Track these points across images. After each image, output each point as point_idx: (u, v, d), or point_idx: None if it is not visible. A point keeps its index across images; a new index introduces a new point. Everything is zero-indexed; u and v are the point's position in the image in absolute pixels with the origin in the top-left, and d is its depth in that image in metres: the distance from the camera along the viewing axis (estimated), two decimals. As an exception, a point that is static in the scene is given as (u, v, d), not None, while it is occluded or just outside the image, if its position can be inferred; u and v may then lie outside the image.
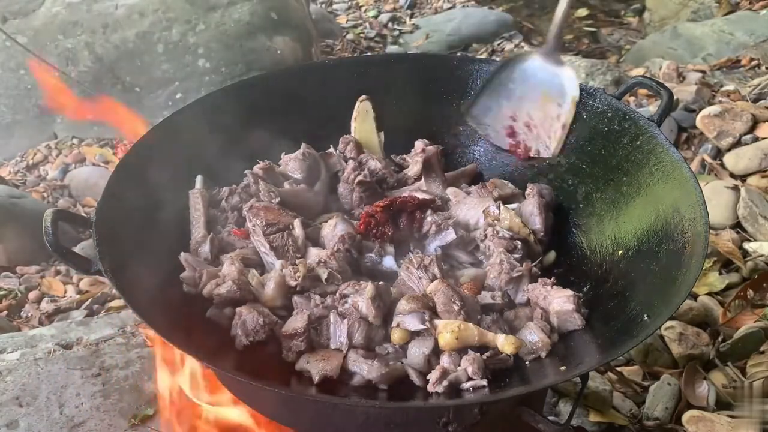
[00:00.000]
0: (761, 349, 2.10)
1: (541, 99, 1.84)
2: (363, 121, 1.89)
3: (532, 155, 1.86)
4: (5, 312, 2.60)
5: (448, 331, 1.39)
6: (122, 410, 1.97)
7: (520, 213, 1.71)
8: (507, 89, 1.88)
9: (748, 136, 2.80)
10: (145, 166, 1.66)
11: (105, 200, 1.55)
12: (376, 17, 4.94)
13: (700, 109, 2.94)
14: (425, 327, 1.41)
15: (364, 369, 1.38)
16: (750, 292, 2.24)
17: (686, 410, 1.99)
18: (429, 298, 1.46)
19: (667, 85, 1.99)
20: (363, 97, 1.88)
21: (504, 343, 1.40)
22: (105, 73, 3.40)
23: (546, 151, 1.84)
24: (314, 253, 1.58)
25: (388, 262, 1.62)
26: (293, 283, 1.51)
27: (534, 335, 1.45)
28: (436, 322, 1.42)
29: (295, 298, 1.51)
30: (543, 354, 1.44)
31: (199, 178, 1.76)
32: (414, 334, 1.43)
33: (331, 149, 1.89)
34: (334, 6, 5.10)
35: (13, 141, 3.46)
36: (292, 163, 1.81)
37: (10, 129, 3.45)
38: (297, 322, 1.45)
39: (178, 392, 1.77)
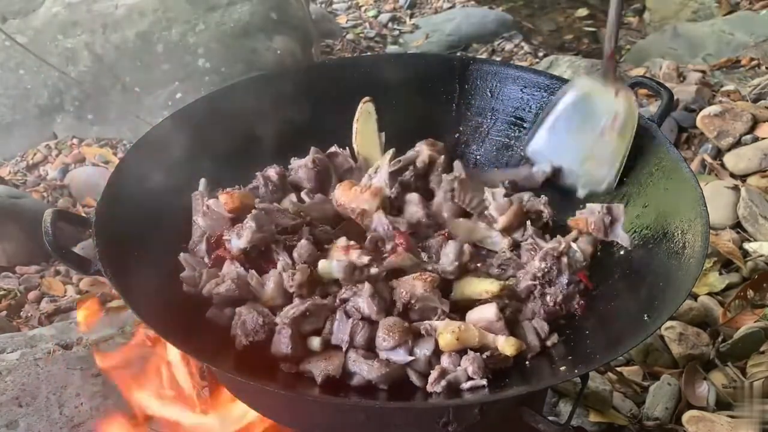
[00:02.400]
0: (761, 349, 2.09)
1: (604, 131, 1.69)
2: (365, 122, 1.88)
3: (580, 195, 1.73)
4: (5, 312, 2.60)
5: (448, 332, 1.39)
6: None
7: None
8: (567, 122, 1.74)
9: (748, 136, 2.80)
10: (145, 166, 1.66)
11: (105, 200, 1.55)
12: (376, 17, 4.93)
13: (700, 109, 2.94)
14: (413, 358, 1.39)
15: (364, 369, 1.38)
16: (750, 292, 2.24)
17: (686, 410, 1.99)
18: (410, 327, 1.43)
19: (667, 85, 1.98)
20: (366, 98, 1.87)
21: (504, 344, 1.40)
22: (105, 73, 3.39)
23: (599, 185, 1.71)
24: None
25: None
26: (291, 290, 1.49)
27: (533, 334, 1.46)
28: (436, 323, 1.42)
29: (296, 300, 1.50)
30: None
31: (202, 181, 1.75)
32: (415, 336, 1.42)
33: (335, 148, 1.88)
34: (334, 6, 5.10)
35: (13, 141, 3.46)
36: (302, 172, 1.78)
37: (10, 129, 3.45)
38: (297, 322, 1.44)
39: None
